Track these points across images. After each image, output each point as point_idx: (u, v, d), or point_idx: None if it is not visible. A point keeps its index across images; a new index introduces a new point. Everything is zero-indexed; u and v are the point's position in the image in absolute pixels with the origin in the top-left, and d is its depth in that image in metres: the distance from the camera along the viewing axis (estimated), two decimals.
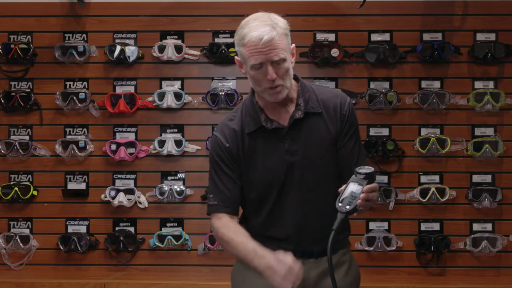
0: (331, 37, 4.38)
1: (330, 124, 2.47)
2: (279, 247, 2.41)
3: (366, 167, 2.22)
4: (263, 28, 2.33)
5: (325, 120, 2.47)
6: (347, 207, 2.18)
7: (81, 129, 4.41)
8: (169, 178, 4.37)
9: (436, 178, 4.32)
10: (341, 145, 2.48)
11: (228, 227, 2.46)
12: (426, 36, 4.37)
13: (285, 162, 2.44)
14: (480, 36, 4.36)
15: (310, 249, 2.48)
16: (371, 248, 4.21)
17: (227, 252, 2.49)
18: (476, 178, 4.32)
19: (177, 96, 4.34)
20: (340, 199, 2.19)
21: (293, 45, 2.47)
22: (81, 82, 4.43)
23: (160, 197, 4.30)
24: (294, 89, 2.50)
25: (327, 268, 2.40)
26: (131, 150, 4.34)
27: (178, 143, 4.32)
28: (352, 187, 2.20)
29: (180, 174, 4.37)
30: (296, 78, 2.52)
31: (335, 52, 4.32)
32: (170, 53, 4.33)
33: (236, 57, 2.48)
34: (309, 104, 2.47)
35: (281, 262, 2.25)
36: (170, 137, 4.33)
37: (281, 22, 2.39)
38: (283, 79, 2.38)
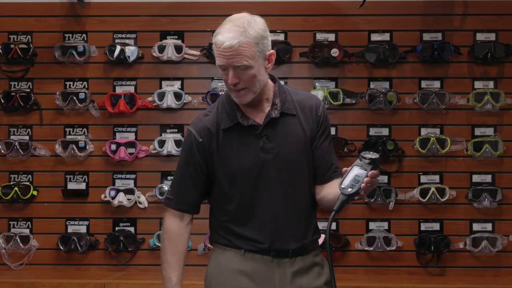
0: (331, 37, 4.38)
1: (305, 124, 2.51)
2: (253, 246, 2.45)
3: (371, 152, 2.24)
4: (229, 33, 2.32)
5: (300, 121, 2.50)
6: (350, 189, 2.21)
7: (81, 129, 4.41)
8: (169, 178, 4.36)
9: (436, 178, 4.32)
10: (317, 145, 2.52)
11: (170, 238, 2.55)
12: (426, 36, 4.37)
13: (260, 159, 2.45)
14: (480, 36, 4.36)
15: (285, 247, 2.47)
16: (371, 248, 4.21)
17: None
18: (476, 178, 4.32)
19: (177, 96, 4.34)
20: (343, 182, 2.22)
21: (272, 50, 2.43)
22: (81, 82, 4.43)
23: (160, 197, 4.30)
24: (271, 89, 2.51)
25: (302, 267, 2.48)
26: (131, 150, 4.34)
27: (178, 143, 4.32)
28: (356, 171, 2.22)
29: None
30: (273, 78, 2.54)
31: (335, 52, 4.32)
32: (170, 53, 4.33)
33: None
34: (285, 105, 2.50)
35: None
36: (170, 137, 4.33)
37: (253, 30, 2.34)
38: (248, 84, 2.39)
